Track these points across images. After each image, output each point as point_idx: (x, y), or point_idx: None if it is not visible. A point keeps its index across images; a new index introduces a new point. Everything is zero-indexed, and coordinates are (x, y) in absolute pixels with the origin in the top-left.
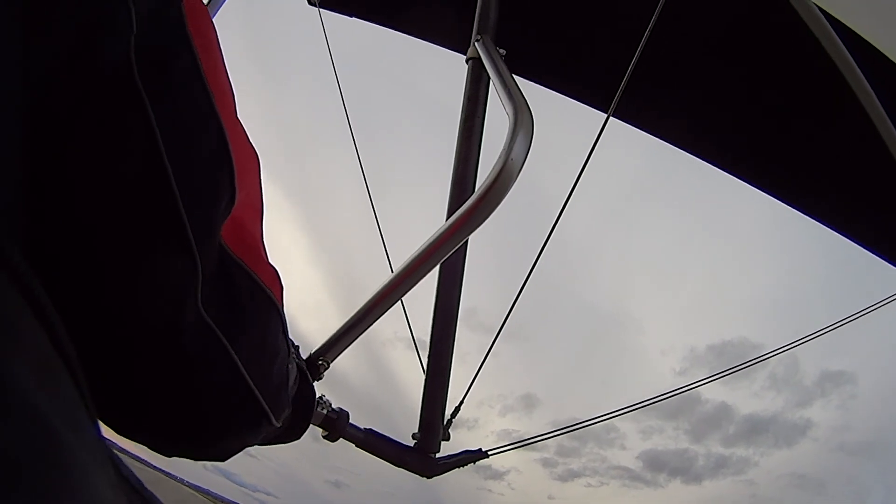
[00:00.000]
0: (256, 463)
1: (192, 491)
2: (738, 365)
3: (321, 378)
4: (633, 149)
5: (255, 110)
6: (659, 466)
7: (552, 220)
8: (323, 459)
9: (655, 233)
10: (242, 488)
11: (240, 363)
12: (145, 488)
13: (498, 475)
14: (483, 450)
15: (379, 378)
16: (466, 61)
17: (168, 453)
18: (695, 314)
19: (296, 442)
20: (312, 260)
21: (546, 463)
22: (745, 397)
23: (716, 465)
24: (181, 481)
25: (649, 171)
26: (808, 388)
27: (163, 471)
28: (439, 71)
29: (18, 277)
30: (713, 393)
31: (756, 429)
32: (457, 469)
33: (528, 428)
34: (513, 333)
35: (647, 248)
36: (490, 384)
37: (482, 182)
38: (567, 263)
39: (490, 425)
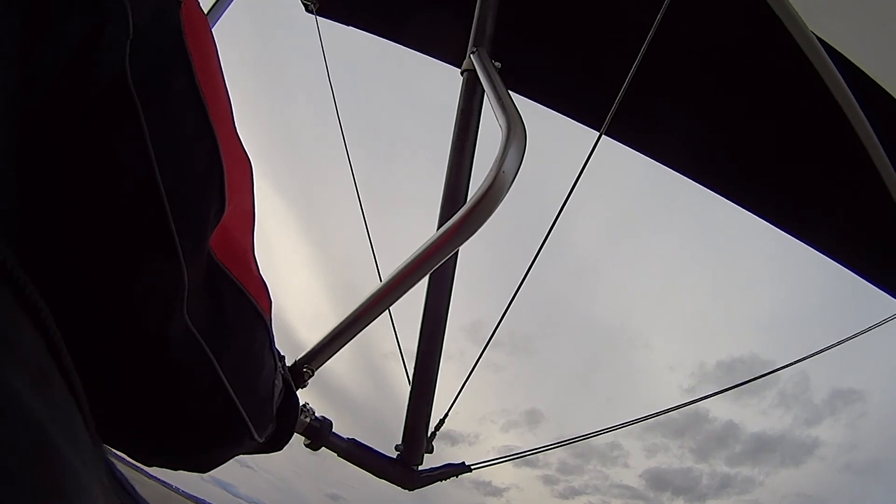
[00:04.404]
0: (253, 474)
1: (186, 500)
2: (742, 381)
3: (305, 386)
4: (640, 168)
5: (257, 116)
6: (662, 485)
7: (554, 233)
8: (321, 472)
9: (663, 250)
10: (238, 499)
11: (223, 376)
12: (138, 494)
13: (497, 492)
14: (466, 463)
15: (377, 389)
16: (462, 73)
17: (147, 462)
18: (704, 330)
19: (294, 454)
20: (307, 263)
21: (547, 480)
22: (753, 415)
23: (720, 485)
24: (176, 490)
25: (657, 190)
26: (818, 406)
27: (158, 479)
28: (436, 81)
29: (14, 284)
30: (720, 411)
31: (763, 447)
32: (457, 487)
33: (531, 444)
34: (520, 348)
35: (655, 265)
36: (494, 399)
37: (473, 194)
38: (576, 280)
39: (492, 440)
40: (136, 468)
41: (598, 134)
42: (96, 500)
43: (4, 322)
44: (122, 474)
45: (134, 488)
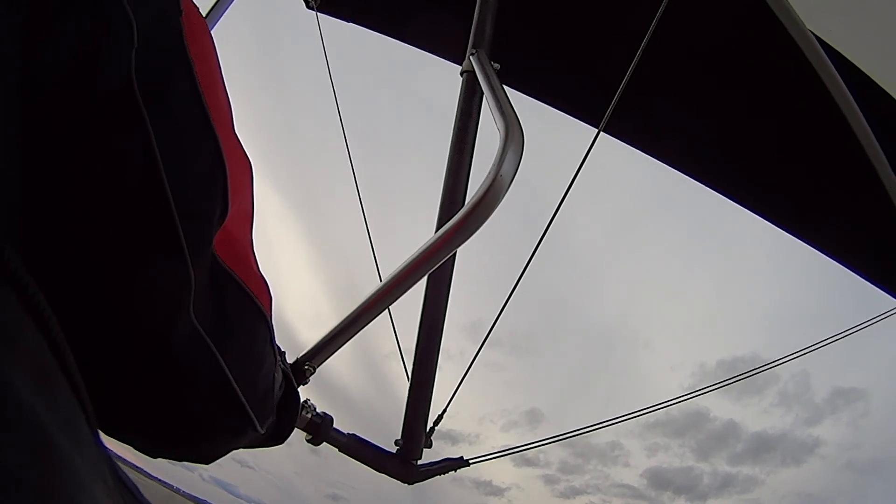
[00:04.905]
0: (254, 474)
1: (188, 501)
2: (738, 375)
3: (307, 383)
4: (641, 168)
5: (258, 115)
6: (663, 484)
7: (555, 233)
8: (321, 473)
9: (664, 248)
10: (239, 499)
11: (228, 371)
12: (141, 494)
13: (498, 491)
14: (464, 458)
15: (378, 388)
16: (461, 74)
17: (153, 454)
18: (705, 329)
19: (295, 455)
20: (308, 263)
21: (548, 480)
22: (754, 415)
23: (722, 484)
24: (178, 491)
25: (657, 189)
26: (819, 405)
27: (159, 479)
28: (437, 80)
29: (17, 284)
30: (721, 410)
31: (764, 447)
32: (458, 486)
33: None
34: (520, 348)
35: (656, 264)
36: (494, 399)
37: (471, 197)
38: (577, 279)
39: (492, 440)
40: (138, 469)
41: (598, 131)
42: (99, 501)
43: (7, 322)
44: (125, 474)
45: (137, 488)
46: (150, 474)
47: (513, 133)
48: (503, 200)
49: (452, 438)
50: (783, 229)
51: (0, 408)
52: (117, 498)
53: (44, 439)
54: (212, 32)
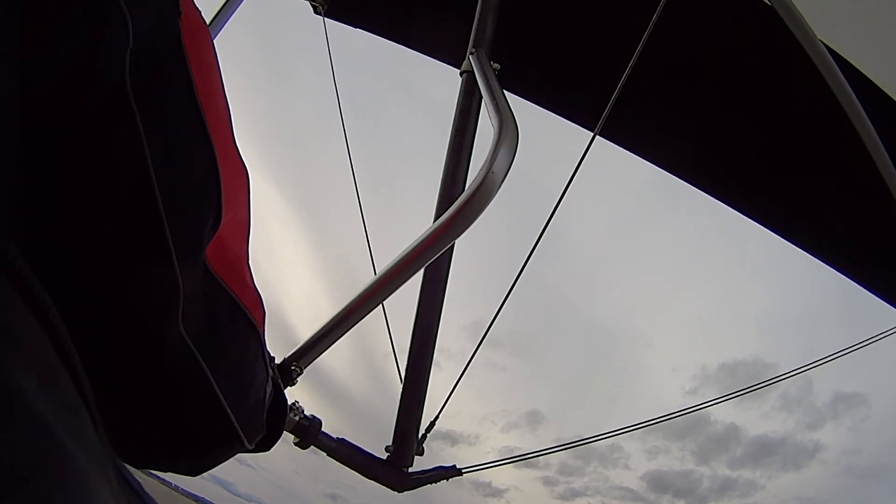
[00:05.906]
0: (253, 473)
1: (189, 500)
2: (745, 388)
3: (294, 384)
4: (643, 170)
5: (263, 116)
6: (663, 487)
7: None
8: (320, 472)
9: (666, 251)
10: (238, 497)
11: (216, 385)
12: (146, 493)
13: (497, 493)
14: (457, 467)
15: (376, 389)
16: (461, 74)
17: (137, 465)
18: (706, 332)
19: (294, 454)
20: (307, 261)
21: (547, 481)
22: (755, 418)
23: (721, 488)
24: (176, 488)
25: (659, 192)
26: (820, 409)
27: (158, 477)
28: (441, 81)
29: (21, 284)
30: (722, 414)
31: (764, 451)
32: (457, 488)
33: (531, 445)
34: (522, 348)
35: (658, 266)
36: (495, 400)
37: (464, 193)
38: (579, 281)
39: (492, 441)
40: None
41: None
42: (105, 501)
43: (12, 320)
44: (130, 474)
45: (142, 488)
46: (149, 472)
47: (507, 129)
48: (499, 197)
49: (452, 439)
50: (787, 240)
51: (4, 407)
52: (122, 497)
53: (50, 439)
54: (216, 38)
